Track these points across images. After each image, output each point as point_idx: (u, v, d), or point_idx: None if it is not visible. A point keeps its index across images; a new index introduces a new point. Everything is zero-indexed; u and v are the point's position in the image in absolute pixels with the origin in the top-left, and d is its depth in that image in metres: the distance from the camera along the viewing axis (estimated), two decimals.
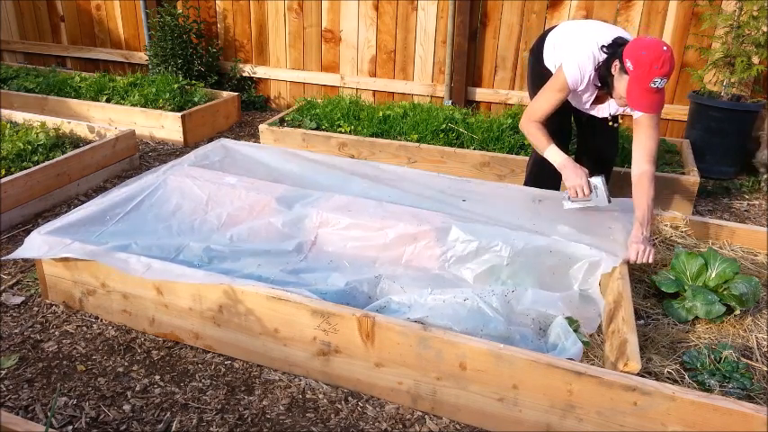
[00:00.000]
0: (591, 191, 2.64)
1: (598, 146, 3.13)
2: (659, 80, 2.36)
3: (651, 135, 2.56)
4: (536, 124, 2.75)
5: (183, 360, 2.27)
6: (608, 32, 2.62)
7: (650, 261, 2.42)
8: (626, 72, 2.44)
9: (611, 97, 2.65)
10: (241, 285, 2.15)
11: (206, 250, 2.58)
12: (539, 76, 2.93)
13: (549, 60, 2.90)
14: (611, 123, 2.85)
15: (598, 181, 2.66)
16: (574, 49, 2.64)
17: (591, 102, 2.78)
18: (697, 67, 4.22)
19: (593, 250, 2.43)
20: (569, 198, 2.69)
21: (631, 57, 2.40)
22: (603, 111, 2.81)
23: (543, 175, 3.07)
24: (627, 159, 3.75)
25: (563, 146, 2.93)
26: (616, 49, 2.51)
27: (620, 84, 2.49)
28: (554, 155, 2.72)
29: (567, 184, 2.67)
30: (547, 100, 2.70)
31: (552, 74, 2.79)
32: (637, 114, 2.58)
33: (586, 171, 2.67)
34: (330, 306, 2.06)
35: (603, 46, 2.55)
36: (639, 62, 2.37)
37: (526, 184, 3.21)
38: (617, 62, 2.48)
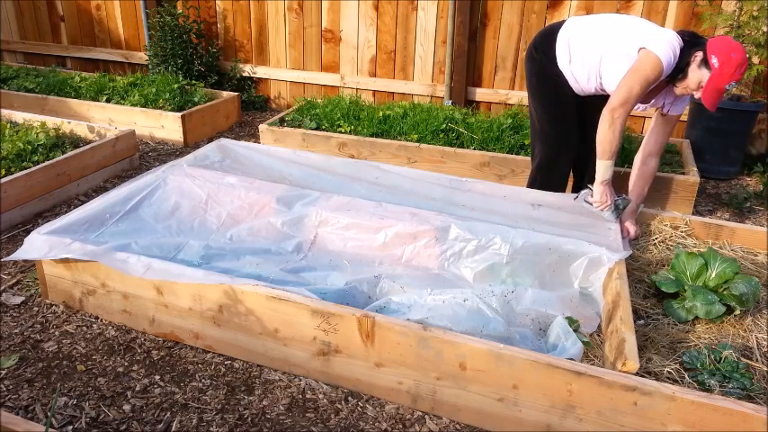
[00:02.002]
0: (610, 210, 2.71)
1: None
2: (734, 84, 2.44)
3: (668, 132, 2.78)
4: (624, 121, 2.59)
5: (183, 360, 2.27)
6: (639, 22, 2.68)
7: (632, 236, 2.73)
8: (708, 67, 2.46)
9: (675, 86, 2.60)
10: (241, 285, 2.15)
11: (206, 249, 2.58)
12: (550, 78, 2.87)
13: (564, 59, 2.81)
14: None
15: (621, 202, 2.71)
16: (653, 35, 2.55)
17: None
18: None
19: (593, 247, 2.43)
20: (587, 200, 2.75)
21: (719, 54, 2.43)
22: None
23: (546, 183, 3.04)
24: (627, 160, 3.75)
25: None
26: (698, 40, 2.53)
27: (696, 75, 2.51)
28: (608, 168, 2.64)
29: (597, 198, 2.70)
30: (641, 85, 2.51)
31: (564, 75, 2.81)
32: (674, 112, 2.72)
33: (626, 198, 2.74)
34: (330, 306, 2.06)
35: (683, 33, 2.57)
36: (728, 62, 2.41)
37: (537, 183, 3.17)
38: (700, 54, 2.49)
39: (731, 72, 2.40)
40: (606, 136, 2.58)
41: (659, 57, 2.47)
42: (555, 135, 2.99)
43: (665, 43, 2.49)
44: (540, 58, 2.90)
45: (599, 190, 2.68)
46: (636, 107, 2.64)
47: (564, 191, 3.10)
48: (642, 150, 2.81)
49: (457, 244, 2.54)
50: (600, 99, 2.81)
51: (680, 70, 2.54)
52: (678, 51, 2.51)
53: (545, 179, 3.07)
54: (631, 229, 2.74)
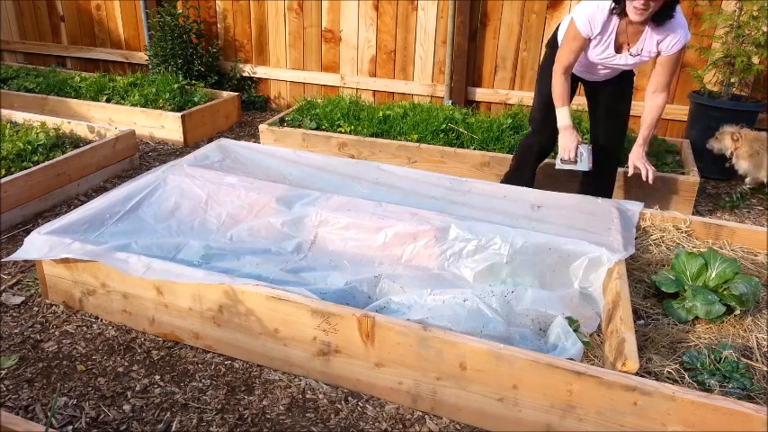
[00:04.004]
0: (576, 156, 2.91)
1: (604, 137, 3.17)
2: None
3: (668, 71, 2.84)
4: (563, 77, 2.90)
5: (183, 360, 2.27)
6: None
7: (650, 180, 2.88)
8: None
9: (629, 19, 2.68)
10: (241, 285, 2.15)
11: (206, 249, 2.58)
12: (549, 66, 3.02)
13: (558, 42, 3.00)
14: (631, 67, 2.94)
15: (584, 149, 2.93)
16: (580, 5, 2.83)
17: (612, 54, 2.83)
18: (697, 67, 4.22)
19: (593, 246, 2.43)
20: (561, 160, 2.98)
21: None
22: (624, 59, 2.85)
23: (523, 162, 3.26)
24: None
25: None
26: None
27: None
28: (562, 116, 2.94)
29: (560, 144, 2.96)
30: (567, 49, 2.85)
31: None
32: (666, 52, 2.78)
33: (579, 139, 2.93)
34: (330, 306, 2.06)
35: None
36: None
37: (510, 168, 3.33)
38: None
39: None
40: (551, 89, 2.95)
41: (572, 18, 2.81)
42: (540, 120, 3.16)
43: (581, 7, 2.78)
44: (551, 51, 3.11)
45: (560, 136, 2.96)
46: (639, 59, 2.82)
47: (533, 174, 3.27)
48: (649, 88, 2.96)
49: (457, 244, 2.54)
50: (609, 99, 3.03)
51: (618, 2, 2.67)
52: (602, 5, 2.70)
53: (514, 161, 3.30)
54: (640, 165, 2.90)
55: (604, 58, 2.87)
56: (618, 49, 2.82)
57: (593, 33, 2.77)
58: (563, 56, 2.88)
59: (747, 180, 3.84)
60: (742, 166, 3.76)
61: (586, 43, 2.82)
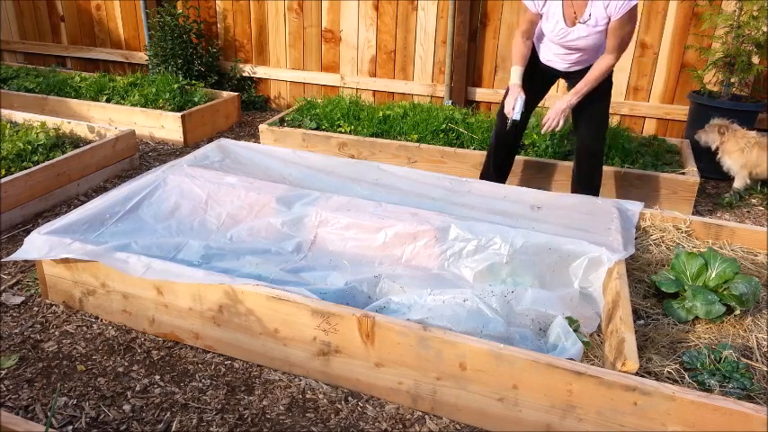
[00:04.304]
0: (513, 110, 3.04)
1: (583, 137, 3.17)
2: None
3: (617, 36, 2.83)
4: (521, 40, 3.06)
5: (183, 360, 2.27)
6: None
7: (542, 131, 3.05)
8: None
9: None
10: (241, 285, 2.15)
11: (206, 249, 2.58)
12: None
13: None
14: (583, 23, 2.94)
15: (520, 100, 3.05)
16: None
17: (565, 28, 2.90)
18: (697, 67, 4.22)
19: (593, 246, 2.43)
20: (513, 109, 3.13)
21: None
22: (578, 31, 2.89)
23: (499, 146, 3.35)
24: (626, 160, 3.76)
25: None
26: None
27: None
28: (513, 74, 3.09)
29: (506, 101, 3.11)
30: (522, 20, 3.04)
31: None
32: (613, 20, 2.80)
33: (522, 96, 3.03)
34: (330, 306, 2.06)
35: None
36: None
37: (488, 153, 3.42)
38: None
39: None
40: (511, 51, 3.14)
41: None
42: (499, 111, 3.24)
43: None
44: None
45: (509, 92, 3.09)
46: (594, 29, 2.85)
47: (512, 156, 3.42)
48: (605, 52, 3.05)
49: (457, 244, 2.54)
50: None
51: None
52: None
53: (497, 142, 3.37)
54: (550, 114, 3.00)
55: (562, 37, 2.92)
56: (571, 23, 2.87)
57: (539, 5, 2.89)
58: (520, 23, 3.06)
59: (735, 186, 3.77)
60: (726, 161, 3.73)
61: (537, 16, 2.95)
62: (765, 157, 3.61)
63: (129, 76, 5.17)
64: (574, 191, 3.26)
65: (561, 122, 3.01)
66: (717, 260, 2.40)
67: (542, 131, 3.07)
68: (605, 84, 3.04)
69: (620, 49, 2.89)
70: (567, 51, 3.00)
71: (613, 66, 2.93)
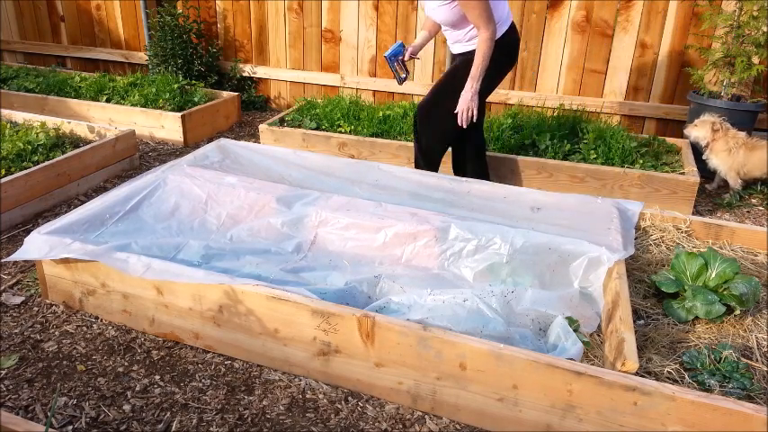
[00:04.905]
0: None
1: (469, 132, 3.25)
2: None
3: (467, 10, 2.89)
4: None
5: (183, 360, 2.27)
6: None
7: (474, 118, 3.04)
8: None
9: None
10: (241, 285, 2.15)
11: (205, 249, 2.58)
12: None
13: None
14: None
15: (393, 45, 3.24)
16: None
17: (428, 6, 3.03)
18: (697, 67, 4.22)
19: (593, 246, 2.43)
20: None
21: None
22: (429, 5, 3.02)
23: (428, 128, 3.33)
24: (626, 160, 3.76)
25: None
26: None
27: None
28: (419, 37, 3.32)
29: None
30: None
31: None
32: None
33: (400, 42, 3.23)
34: (330, 306, 2.06)
35: None
36: None
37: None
38: None
39: None
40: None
41: None
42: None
43: None
44: None
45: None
46: (436, 1, 2.98)
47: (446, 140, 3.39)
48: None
49: (457, 244, 2.54)
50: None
51: None
52: None
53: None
54: (461, 108, 3.03)
55: (430, 10, 3.05)
56: None
57: None
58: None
59: (731, 186, 3.73)
60: (713, 160, 3.68)
61: None
62: (752, 157, 3.59)
63: (129, 76, 5.17)
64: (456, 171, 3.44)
65: (474, 111, 3.04)
66: (717, 260, 2.40)
67: (461, 125, 3.07)
68: (462, 65, 3.10)
69: (480, 22, 2.88)
70: (444, 28, 3.11)
71: (487, 39, 2.91)
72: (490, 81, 3.10)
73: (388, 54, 3.20)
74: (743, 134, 3.63)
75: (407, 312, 2.17)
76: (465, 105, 3.03)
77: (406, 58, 3.24)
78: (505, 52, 3.10)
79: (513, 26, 3.13)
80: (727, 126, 3.64)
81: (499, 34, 2.99)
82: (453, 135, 3.22)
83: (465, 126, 3.06)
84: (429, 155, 3.31)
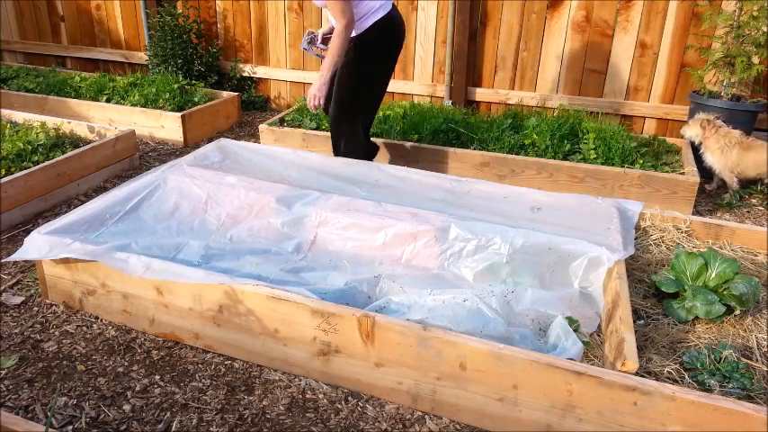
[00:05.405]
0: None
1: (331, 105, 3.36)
2: None
3: (328, 8, 3.03)
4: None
5: (183, 360, 2.27)
6: None
7: (319, 105, 3.16)
8: None
9: None
10: (241, 285, 2.15)
11: (205, 249, 2.58)
12: None
13: None
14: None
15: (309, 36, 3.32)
16: None
17: None
18: (697, 67, 4.22)
19: (593, 246, 2.43)
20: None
21: None
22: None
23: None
24: (626, 160, 3.76)
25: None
26: None
27: None
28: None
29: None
30: None
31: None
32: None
33: (309, 29, 3.33)
34: (330, 306, 2.06)
35: None
36: None
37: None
38: None
39: None
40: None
41: None
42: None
43: None
44: None
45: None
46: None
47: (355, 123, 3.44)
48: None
49: (457, 244, 2.54)
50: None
51: None
52: None
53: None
54: (310, 95, 3.15)
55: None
56: None
57: None
58: None
59: (729, 186, 3.74)
60: (708, 158, 3.70)
61: None
62: (745, 157, 3.59)
63: (129, 76, 5.17)
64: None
65: (322, 99, 3.16)
66: (717, 260, 2.40)
67: (312, 110, 3.23)
68: (352, 53, 3.16)
69: (336, 14, 2.98)
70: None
71: (340, 32, 3.00)
72: (379, 64, 3.23)
73: (303, 46, 3.32)
74: (737, 132, 3.63)
75: (407, 312, 2.17)
76: (312, 92, 3.16)
77: (320, 41, 3.31)
78: (382, 33, 3.20)
79: (390, 11, 3.25)
80: (717, 124, 3.66)
81: (373, 21, 3.13)
82: (361, 109, 3.35)
83: (314, 111, 3.21)
84: (349, 137, 3.42)
